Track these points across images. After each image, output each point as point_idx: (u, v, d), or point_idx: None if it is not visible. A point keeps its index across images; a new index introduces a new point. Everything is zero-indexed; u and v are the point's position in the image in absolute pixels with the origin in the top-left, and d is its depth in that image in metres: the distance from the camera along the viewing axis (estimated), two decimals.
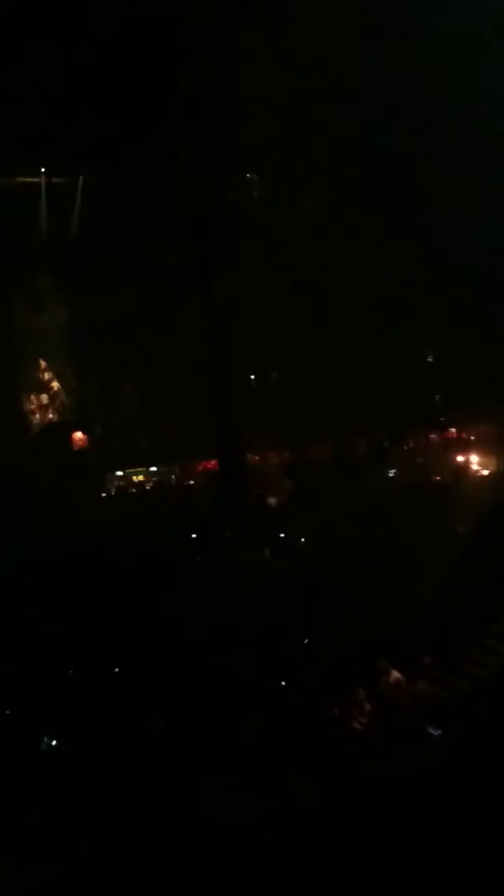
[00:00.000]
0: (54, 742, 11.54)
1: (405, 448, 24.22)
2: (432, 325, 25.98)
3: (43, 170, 23.59)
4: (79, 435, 24.20)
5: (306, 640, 14.52)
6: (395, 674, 10.46)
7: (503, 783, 5.90)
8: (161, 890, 6.28)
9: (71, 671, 14.05)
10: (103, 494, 23.64)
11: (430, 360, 26.20)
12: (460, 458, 22.01)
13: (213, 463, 23.49)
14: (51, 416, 25.71)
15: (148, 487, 24.75)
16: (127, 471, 24.78)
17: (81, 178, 24.10)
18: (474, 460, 21.76)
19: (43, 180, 23.78)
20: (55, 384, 25.78)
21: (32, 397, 25.69)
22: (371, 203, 22.29)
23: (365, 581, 15.32)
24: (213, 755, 9.79)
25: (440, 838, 5.62)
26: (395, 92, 20.37)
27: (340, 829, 6.27)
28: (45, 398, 25.76)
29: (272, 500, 21.41)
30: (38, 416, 25.62)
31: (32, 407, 25.65)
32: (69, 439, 23.98)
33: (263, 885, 6.02)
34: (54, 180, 23.94)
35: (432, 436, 24.27)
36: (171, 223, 22.62)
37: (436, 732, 7.93)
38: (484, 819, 5.61)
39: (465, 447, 22.98)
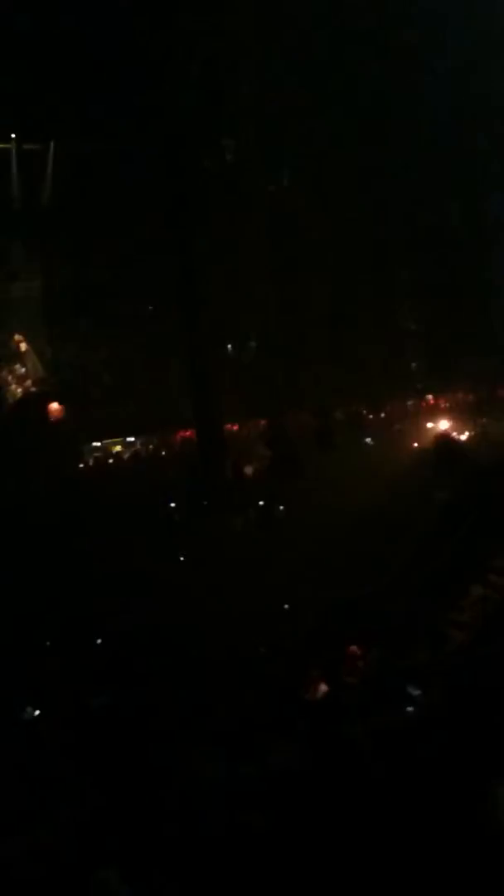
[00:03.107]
0: (32, 713, 11.51)
1: (382, 415, 24.26)
2: (409, 292, 25.97)
3: (13, 135, 23.11)
4: (55, 406, 23.83)
5: (285, 607, 14.56)
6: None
7: (480, 741, 5.95)
8: (148, 864, 6.27)
9: (48, 643, 14.03)
10: (81, 466, 23.43)
11: (409, 327, 26.21)
12: (430, 425, 22.11)
13: (192, 432, 23.37)
14: (20, 390, 25.07)
15: (126, 458, 24.58)
16: (105, 441, 24.58)
17: (53, 143, 23.62)
18: (450, 426, 21.85)
19: (13, 146, 23.29)
20: (28, 351, 25.31)
21: (7, 368, 25.24)
22: (349, 168, 22.15)
23: (344, 547, 15.36)
24: (196, 726, 9.79)
25: (421, 795, 5.66)
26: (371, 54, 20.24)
27: (325, 791, 6.29)
28: (19, 369, 25.31)
29: (249, 470, 21.38)
30: (12, 387, 25.16)
31: (8, 378, 25.19)
32: (45, 410, 23.59)
33: (251, 852, 6.02)
34: (25, 146, 23.45)
35: (409, 402, 24.35)
36: (145, 189, 22.30)
37: (415, 693, 7.97)
38: (462, 774, 5.66)
39: (441, 414, 23.07)
